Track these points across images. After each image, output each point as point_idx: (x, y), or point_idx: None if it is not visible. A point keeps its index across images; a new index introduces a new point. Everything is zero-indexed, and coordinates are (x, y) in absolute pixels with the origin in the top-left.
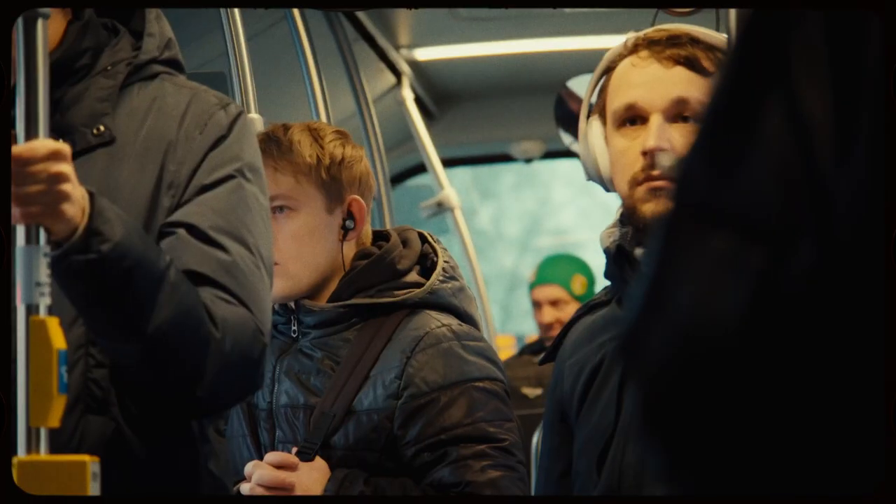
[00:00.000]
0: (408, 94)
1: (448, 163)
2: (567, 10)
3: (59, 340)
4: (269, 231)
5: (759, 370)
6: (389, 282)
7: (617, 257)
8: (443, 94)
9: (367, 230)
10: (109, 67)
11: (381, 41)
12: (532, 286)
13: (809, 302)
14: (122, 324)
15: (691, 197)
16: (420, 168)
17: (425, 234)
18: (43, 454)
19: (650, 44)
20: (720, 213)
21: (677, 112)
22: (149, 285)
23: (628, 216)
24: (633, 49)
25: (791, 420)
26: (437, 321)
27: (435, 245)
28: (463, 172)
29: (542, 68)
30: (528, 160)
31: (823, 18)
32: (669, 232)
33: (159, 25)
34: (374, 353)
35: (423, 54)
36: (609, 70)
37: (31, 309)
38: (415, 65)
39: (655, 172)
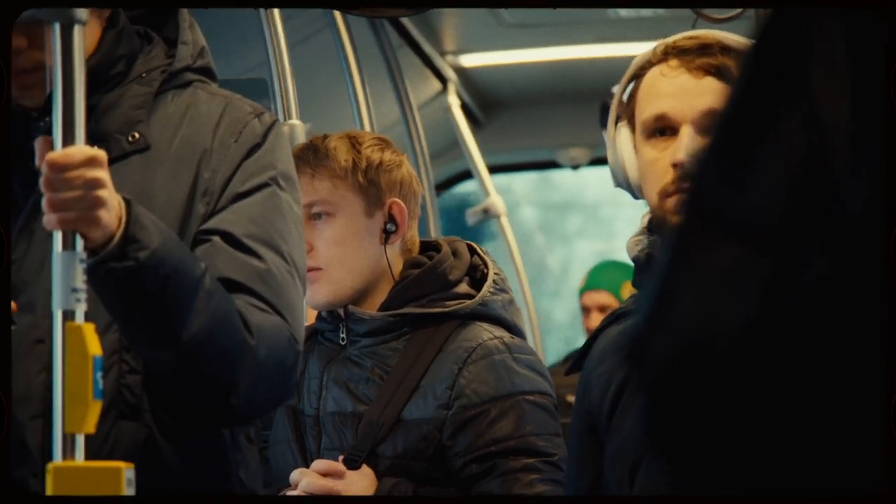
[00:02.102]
0: (453, 101)
1: (494, 169)
2: (612, 16)
3: (94, 346)
4: (303, 239)
5: (764, 379)
6: (441, 292)
7: (647, 266)
8: (489, 100)
9: (414, 238)
10: (144, 75)
11: (427, 47)
12: (581, 291)
13: (817, 312)
14: (157, 330)
15: (702, 205)
16: (466, 175)
17: (474, 245)
18: (78, 460)
19: (680, 52)
20: (730, 222)
21: (708, 124)
22: (185, 292)
23: (658, 226)
24: (663, 57)
25: (796, 428)
26: (489, 333)
27: (484, 257)
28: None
29: (588, 75)
30: (575, 167)
31: (846, 28)
32: (679, 239)
33: (192, 34)
34: (425, 364)
35: (469, 60)
36: (637, 77)
37: (68, 315)
38: (461, 71)
39: (686, 185)
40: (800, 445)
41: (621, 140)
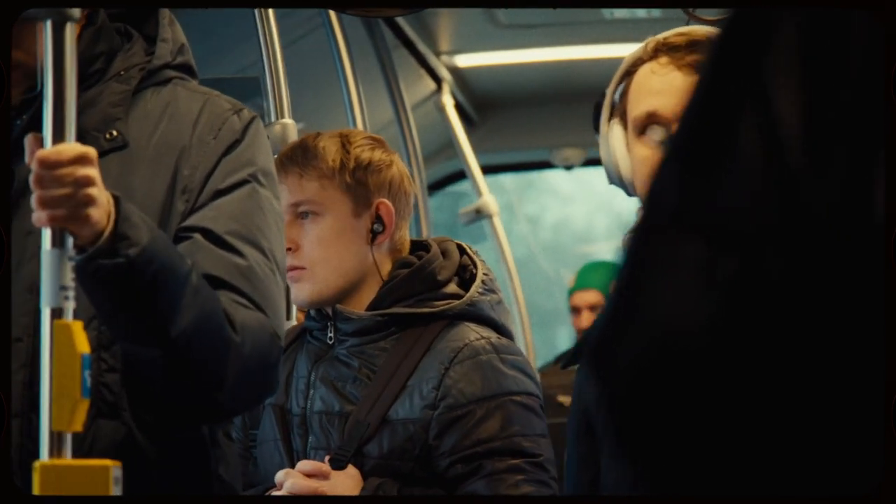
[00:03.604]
0: (448, 101)
1: (488, 169)
2: (607, 17)
3: (83, 344)
4: (283, 236)
5: (732, 377)
6: (429, 292)
7: None
8: (483, 100)
9: (404, 238)
10: (123, 72)
11: (422, 47)
12: (571, 291)
13: (784, 310)
14: (146, 327)
15: (665, 205)
16: (460, 174)
17: (464, 245)
18: (66, 458)
19: (670, 49)
20: (693, 221)
21: None
22: (173, 289)
23: None
24: (654, 54)
25: (766, 426)
26: (476, 333)
27: (474, 257)
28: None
29: (582, 75)
30: (569, 167)
31: (798, 27)
32: (643, 239)
33: (172, 31)
34: (412, 364)
35: (464, 61)
36: (629, 74)
37: (56, 313)
38: (455, 71)
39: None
40: (769, 443)
41: (614, 137)
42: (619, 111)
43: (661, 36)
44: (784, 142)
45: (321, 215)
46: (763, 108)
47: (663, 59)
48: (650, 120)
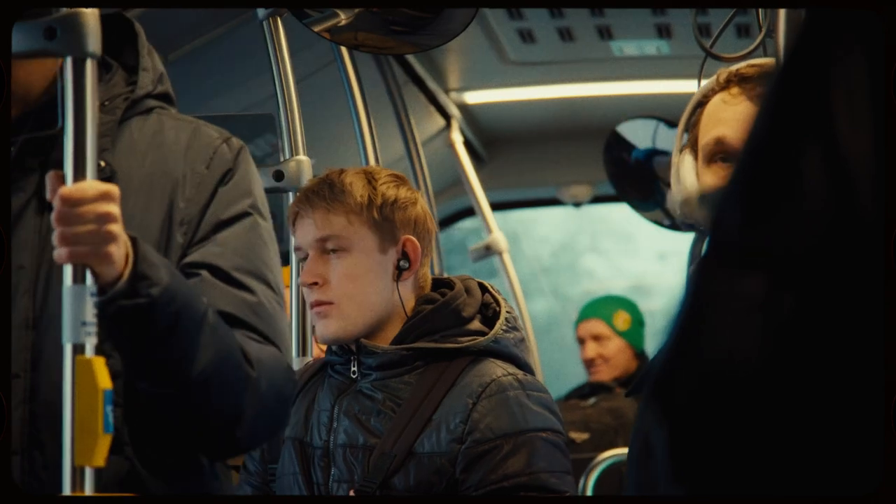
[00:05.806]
0: (457, 138)
1: (497, 206)
2: (616, 54)
3: (104, 380)
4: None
5: (790, 413)
6: (454, 328)
7: None
8: (492, 137)
9: (426, 275)
10: (107, 102)
11: (431, 84)
12: (576, 324)
13: (842, 345)
14: (166, 367)
15: (725, 239)
16: (469, 211)
17: (485, 283)
18: (88, 492)
19: (741, 80)
20: (753, 256)
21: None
22: (193, 328)
23: None
24: (725, 84)
25: (820, 459)
26: (502, 369)
27: (496, 295)
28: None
29: (591, 113)
30: (577, 204)
31: (866, 55)
32: (702, 273)
33: (152, 60)
34: (437, 398)
35: (473, 98)
36: (701, 104)
37: (78, 349)
38: (464, 108)
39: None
40: (821, 465)
41: (685, 167)
42: (691, 141)
43: (733, 67)
44: (853, 175)
45: (348, 251)
46: (829, 143)
47: (734, 90)
48: (718, 147)
